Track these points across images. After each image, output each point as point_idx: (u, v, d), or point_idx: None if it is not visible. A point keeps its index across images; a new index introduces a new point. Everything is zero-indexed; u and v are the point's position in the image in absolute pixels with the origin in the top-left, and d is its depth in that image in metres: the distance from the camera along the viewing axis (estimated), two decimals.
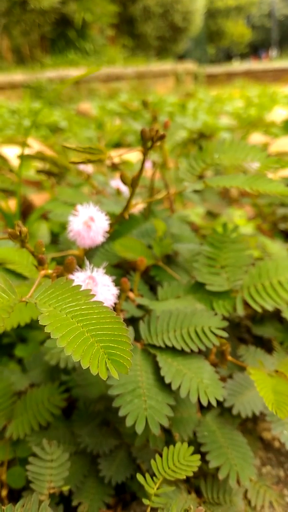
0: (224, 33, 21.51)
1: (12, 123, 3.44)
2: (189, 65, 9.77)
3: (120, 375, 0.37)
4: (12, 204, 1.15)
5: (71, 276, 0.56)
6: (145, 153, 0.63)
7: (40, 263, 0.55)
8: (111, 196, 1.09)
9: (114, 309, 0.58)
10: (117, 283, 0.60)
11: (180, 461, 0.53)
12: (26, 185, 1.47)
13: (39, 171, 1.19)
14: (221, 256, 0.74)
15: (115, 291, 0.56)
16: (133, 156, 1.64)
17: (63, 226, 1.12)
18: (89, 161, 0.62)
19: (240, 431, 0.65)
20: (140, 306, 0.70)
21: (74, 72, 6.76)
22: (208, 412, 0.67)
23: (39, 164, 1.50)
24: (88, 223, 0.65)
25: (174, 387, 0.55)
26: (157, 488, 0.51)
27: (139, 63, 9.50)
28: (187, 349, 0.59)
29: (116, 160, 1.40)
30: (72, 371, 0.72)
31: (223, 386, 0.57)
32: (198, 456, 0.54)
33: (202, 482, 0.62)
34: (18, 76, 6.87)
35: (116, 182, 1.07)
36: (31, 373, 0.76)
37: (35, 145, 1.59)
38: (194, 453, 0.54)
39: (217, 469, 0.58)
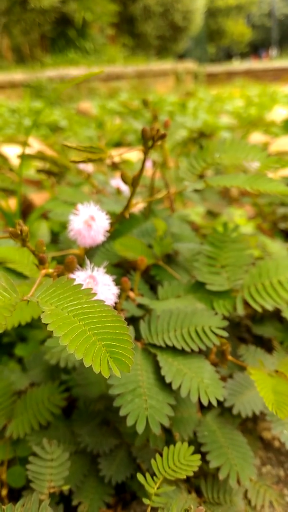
0: (224, 32, 21.50)
1: (12, 122, 3.44)
2: (189, 64, 9.76)
3: (121, 374, 0.37)
4: (12, 203, 1.15)
5: (71, 275, 0.56)
6: (145, 152, 0.63)
7: (41, 262, 0.55)
8: (111, 195, 1.09)
9: (115, 308, 0.58)
10: (117, 282, 0.60)
11: (180, 460, 0.53)
12: (26, 185, 1.47)
13: (39, 171, 1.19)
14: (222, 256, 0.74)
15: (115, 290, 0.56)
16: (134, 155, 1.64)
17: (63, 225, 1.12)
18: (89, 160, 0.62)
19: (240, 431, 0.65)
20: (140, 306, 0.70)
21: (74, 71, 6.76)
22: (208, 411, 0.67)
23: (39, 164, 1.50)
24: (89, 222, 0.65)
25: (174, 386, 0.55)
26: (157, 488, 0.51)
27: (139, 62, 9.49)
28: (187, 349, 0.59)
29: (117, 159, 1.39)
30: (72, 371, 0.72)
31: (223, 386, 0.57)
32: (198, 456, 0.54)
33: (202, 482, 0.62)
34: (18, 75, 6.86)
35: (116, 181, 1.07)
36: (31, 373, 0.76)
37: (35, 144, 1.59)
38: (194, 452, 0.54)
39: (218, 469, 0.58)
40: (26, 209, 1.30)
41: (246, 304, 0.71)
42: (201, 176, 0.76)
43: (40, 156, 1.09)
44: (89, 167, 1.06)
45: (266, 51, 26.30)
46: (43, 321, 0.40)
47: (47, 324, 0.39)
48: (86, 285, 0.55)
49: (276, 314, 0.86)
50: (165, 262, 0.83)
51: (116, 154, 0.67)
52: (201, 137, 1.58)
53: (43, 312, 0.41)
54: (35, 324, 0.89)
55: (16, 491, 0.65)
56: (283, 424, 0.64)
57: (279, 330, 0.84)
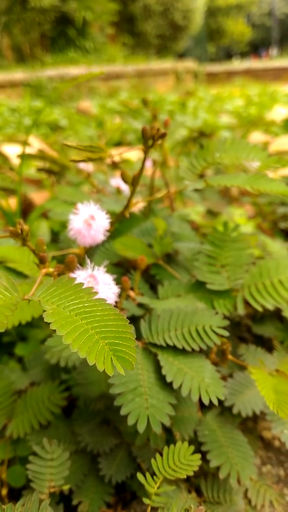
0: (225, 31, 21.49)
1: (12, 122, 3.44)
2: (189, 64, 9.76)
3: (124, 372, 0.37)
4: (12, 203, 1.15)
5: (72, 275, 0.56)
6: (145, 152, 0.63)
7: (41, 261, 0.55)
8: (111, 195, 1.09)
9: (115, 307, 0.58)
10: (117, 281, 0.60)
11: (180, 460, 0.52)
12: (26, 184, 1.47)
13: (40, 169, 1.19)
14: (222, 255, 0.74)
15: (116, 289, 0.56)
16: (134, 154, 1.64)
17: (63, 225, 1.12)
18: (89, 160, 0.62)
19: (241, 430, 0.65)
20: (140, 305, 0.70)
21: (74, 71, 6.75)
22: (209, 411, 0.67)
23: (39, 163, 1.50)
24: (89, 221, 0.65)
25: (175, 386, 0.55)
26: (158, 487, 0.51)
27: (139, 62, 9.49)
28: (188, 348, 0.59)
29: (117, 158, 1.39)
30: (72, 370, 0.72)
31: (223, 385, 0.57)
32: (198, 455, 0.53)
33: (202, 481, 0.62)
34: (18, 74, 6.86)
35: (116, 181, 1.07)
36: (31, 372, 0.76)
37: (35, 144, 1.59)
38: (194, 452, 0.54)
39: (218, 468, 0.58)
40: (26, 208, 1.30)
41: (246, 303, 0.71)
42: (201, 176, 0.76)
43: (40, 155, 1.09)
44: (89, 167, 1.06)
45: (266, 50, 26.29)
46: (45, 320, 0.40)
47: (50, 323, 0.39)
48: (87, 284, 0.55)
49: (276, 314, 0.86)
50: (165, 261, 0.83)
51: (116, 154, 0.67)
52: (201, 137, 1.58)
53: (45, 311, 0.41)
54: (35, 323, 0.89)
55: (16, 490, 0.65)
56: (284, 424, 0.64)
57: (280, 330, 0.84)
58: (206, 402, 0.54)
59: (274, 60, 17.50)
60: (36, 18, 9.41)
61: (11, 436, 0.65)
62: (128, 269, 0.84)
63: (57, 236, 1.04)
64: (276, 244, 1.03)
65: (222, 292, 0.72)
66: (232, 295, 0.71)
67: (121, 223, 0.88)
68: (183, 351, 0.60)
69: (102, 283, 0.55)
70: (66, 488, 0.58)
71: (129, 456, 0.65)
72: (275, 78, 9.32)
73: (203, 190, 1.43)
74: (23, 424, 0.65)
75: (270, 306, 0.68)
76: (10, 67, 9.13)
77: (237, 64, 15.83)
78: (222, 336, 0.61)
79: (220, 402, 0.60)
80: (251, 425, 0.77)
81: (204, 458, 0.57)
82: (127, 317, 0.56)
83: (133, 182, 0.65)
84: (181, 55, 15.31)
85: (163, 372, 0.56)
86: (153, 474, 0.51)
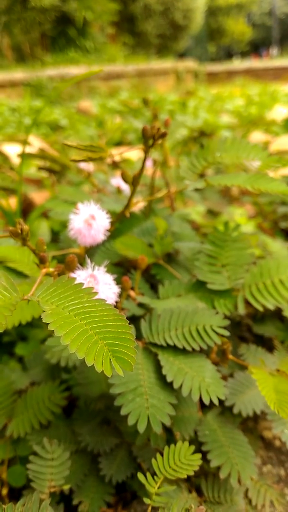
0: (225, 31, 21.48)
1: (12, 121, 3.44)
2: (189, 63, 9.75)
3: (123, 373, 0.37)
4: (12, 202, 1.15)
5: (72, 275, 0.56)
6: (146, 151, 0.63)
7: (41, 261, 0.55)
8: (111, 195, 1.09)
9: (115, 307, 0.58)
10: (118, 281, 0.60)
11: (181, 460, 0.52)
12: (26, 183, 1.47)
13: (41, 168, 1.19)
14: (222, 255, 0.74)
15: (116, 289, 0.56)
16: (134, 154, 1.64)
17: (64, 225, 1.12)
18: (90, 159, 0.62)
19: (241, 430, 0.65)
20: (141, 305, 0.70)
21: (75, 70, 6.75)
22: (209, 411, 0.67)
23: (40, 162, 1.50)
24: (89, 221, 0.65)
25: (175, 385, 0.55)
26: (158, 487, 0.50)
27: (139, 61, 9.48)
28: (188, 348, 0.59)
29: (117, 158, 1.39)
30: (72, 370, 0.72)
31: (224, 385, 0.57)
32: (199, 455, 0.53)
33: (203, 481, 0.62)
34: (18, 74, 6.86)
35: (116, 180, 1.07)
36: (31, 372, 0.76)
37: (36, 143, 1.59)
38: (195, 452, 0.54)
39: (218, 468, 0.58)
40: (26, 208, 1.30)
41: (247, 303, 0.71)
42: (201, 175, 0.76)
43: (41, 154, 1.09)
44: (89, 166, 1.06)
45: (266, 50, 26.27)
46: (44, 320, 0.40)
47: (48, 323, 0.39)
48: (87, 284, 0.55)
49: (277, 313, 0.86)
50: (165, 261, 0.83)
51: (116, 153, 0.66)
52: (201, 136, 1.58)
53: (44, 311, 0.41)
54: (36, 323, 0.89)
55: (17, 490, 0.65)
56: (284, 423, 0.64)
57: (280, 329, 0.84)
58: (206, 402, 0.54)
59: (275, 59, 17.48)
60: (37, 18, 9.41)
61: (12, 436, 0.65)
62: (128, 268, 0.84)
63: (58, 235, 1.04)
64: (276, 244, 1.02)
65: (223, 292, 0.72)
66: (233, 295, 0.71)
67: (121, 222, 0.88)
68: (183, 351, 0.60)
69: (102, 283, 0.55)
70: (66, 488, 0.58)
71: (129, 456, 0.65)
72: (275, 78, 9.31)
73: (203, 190, 1.43)
74: (24, 424, 0.65)
75: (270, 306, 0.68)
76: (10, 66, 9.13)
77: (237, 64, 15.83)
78: (222, 335, 0.61)
79: (221, 402, 0.60)
80: (252, 425, 0.77)
81: (204, 458, 0.57)
82: (127, 317, 0.56)
83: (134, 182, 0.65)
84: (182, 55, 15.31)
85: (164, 372, 0.56)
86: (153, 474, 0.51)
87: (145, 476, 0.51)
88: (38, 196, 1.35)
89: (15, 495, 0.65)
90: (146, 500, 0.50)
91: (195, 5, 12.91)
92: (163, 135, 0.61)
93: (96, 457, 0.65)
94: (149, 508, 0.51)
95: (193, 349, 0.59)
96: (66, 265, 0.56)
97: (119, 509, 0.64)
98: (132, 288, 0.72)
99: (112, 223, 0.69)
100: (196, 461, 0.53)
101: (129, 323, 0.41)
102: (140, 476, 0.50)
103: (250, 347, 0.75)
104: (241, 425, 0.75)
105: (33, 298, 0.44)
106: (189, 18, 12.76)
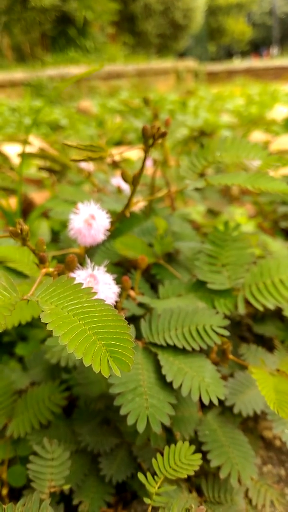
0: (225, 30, 21.48)
1: (12, 121, 3.44)
2: (189, 63, 9.75)
3: (121, 373, 0.36)
4: (12, 202, 1.15)
5: (72, 274, 0.55)
6: (146, 151, 0.63)
7: (41, 261, 0.55)
8: (111, 194, 1.09)
9: (115, 307, 0.58)
10: (118, 281, 0.60)
11: (181, 460, 0.52)
12: (26, 183, 1.47)
13: (41, 168, 1.19)
14: (223, 254, 0.74)
15: (116, 289, 0.56)
16: (134, 154, 1.64)
17: (64, 224, 1.12)
18: (90, 159, 0.62)
19: (241, 430, 0.65)
20: (141, 305, 0.70)
21: (75, 70, 6.75)
22: (209, 411, 0.66)
23: (40, 162, 1.50)
24: (89, 221, 0.65)
25: (175, 385, 0.54)
26: (158, 487, 0.50)
27: (139, 61, 9.48)
28: (188, 348, 0.59)
29: (117, 158, 1.39)
30: (72, 370, 0.72)
31: (224, 385, 0.57)
32: (199, 455, 0.53)
33: (203, 481, 0.62)
34: (18, 74, 6.86)
35: (117, 180, 1.06)
36: (31, 372, 0.76)
37: (36, 143, 1.58)
38: (195, 452, 0.54)
39: (218, 468, 0.58)
40: (26, 208, 1.30)
41: (247, 303, 0.71)
42: (201, 175, 0.76)
43: (41, 154, 1.09)
44: (89, 166, 1.06)
45: (267, 49, 26.25)
46: (42, 320, 0.40)
47: (47, 323, 0.39)
48: (87, 284, 0.55)
49: (277, 313, 0.86)
50: (165, 261, 0.83)
51: (116, 153, 0.66)
52: (201, 136, 1.58)
53: (43, 311, 0.41)
54: (36, 323, 0.89)
55: (17, 490, 0.65)
56: (284, 423, 0.64)
57: (280, 329, 0.83)
58: (206, 402, 0.53)
59: (275, 59, 17.47)
60: (37, 18, 9.42)
61: (12, 436, 0.65)
62: (128, 268, 0.84)
63: (58, 235, 1.04)
64: (276, 244, 1.02)
65: (223, 292, 0.71)
66: (233, 295, 0.71)
67: (121, 222, 0.88)
68: (183, 351, 0.60)
69: (102, 283, 0.55)
70: (66, 488, 0.58)
71: (129, 456, 0.65)
72: (275, 77, 9.31)
73: (203, 189, 1.43)
74: (24, 424, 0.65)
75: (271, 306, 0.68)
76: (10, 66, 9.13)
77: (237, 63, 15.82)
78: (222, 335, 0.61)
79: (221, 401, 0.60)
80: (252, 425, 0.77)
81: (204, 458, 0.57)
82: (127, 317, 0.55)
83: (134, 182, 0.65)
84: (182, 54, 15.30)
85: (163, 371, 0.56)
86: (153, 473, 0.51)
87: (145, 476, 0.51)
88: (38, 196, 1.35)
89: (15, 495, 0.65)
90: (146, 500, 0.50)
91: (195, 5, 12.91)
92: (163, 135, 0.60)
93: (96, 457, 0.65)
94: (149, 508, 0.51)
95: (193, 349, 0.59)
96: (66, 265, 0.56)
97: (119, 509, 0.64)
98: (132, 288, 0.72)
99: (112, 223, 0.69)
100: (196, 461, 0.53)
101: (128, 324, 0.41)
102: (140, 476, 0.50)
103: (250, 347, 0.75)
104: (241, 425, 0.75)
105: (33, 298, 0.44)
106: (189, 18, 12.76)
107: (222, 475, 0.57)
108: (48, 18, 9.46)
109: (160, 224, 0.81)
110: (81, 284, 0.45)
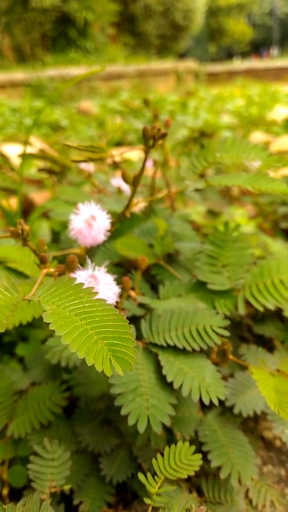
0: (225, 31, 21.49)
1: (13, 122, 3.44)
2: (190, 64, 9.76)
3: (123, 373, 0.37)
4: (13, 203, 1.15)
5: (72, 275, 0.56)
6: (146, 152, 0.63)
7: (42, 261, 0.55)
8: (112, 195, 1.09)
9: (116, 307, 0.58)
10: (118, 281, 0.60)
11: (181, 460, 0.52)
12: (27, 184, 1.47)
13: (41, 169, 1.19)
14: (223, 255, 0.74)
15: (116, 289, 0.56)
16: (134, 154, 1.64)
17: (64, 225, 1.12)
18: (90, 160, 0.62)
19: (241, 430, 0.65)
20: (141, 305, 0.70)
21: (75, 71, 6.76)
22: (210, 411, 0.67)
23: (40, 163, 1.50)
24: (90, 221, 0.65)
25: (176, 386, 0.55)
26: (159, 487, 0.50)
27: (140, 62, 9.49)
28: (188, 348, 0.59)
29: (117, 158, 1.39)
30: (73, 370, 0.72)
31: (224, 385, 0.57)
32: (199, 455, 0.53)
33: (203, 481, 0.62)
34: (19, 74, 6.86)
35: (117, 181, 1.07)
36: (32, 372, 0.76)
37: (36, 144, 1.59)
38: (195, 452, 0.54)
39: (219, 468, 0.58)
40: (27, 208, 1.30)
41: (247, 303, 0.71)
42: (202, 176, 0.76)
43: (41, 155, 1.09)
44: (90, 167, 1.06)
45: (267, 50, 26.25)
46: (44, 320, 0.40)
47: (49, 323, 0.39)
48: (87, 284, 0.55)
49: (277, 314, 0.86)
50: (166, 261, 0.83)
51: (117, 154, 0.67)
52: (202, 137, 1.58)
53: (45, 311, 0.41)
54: (36, 323, 0.89)
55: (17, 490, 0.65)
56: (285, 424, 0.64)
57: (280, 330, 0.84)
58: (206, 402, 0.54)
59: (275, 60, 17.47)
60: (37, 18, 9.43)
61: (12, 436, 0.65)
62: (129, 269, 0.84)
63: (58, 236, 1.04)
64: (277, 244, 1.02)
65: (223, 292, 0.72)
66: (233, 295, 0.71)
67: (122, 223, 0.88)
68: (183, 351, 0.60)
69: (102, 283, 0.55)
70: (67, 488, 0.58)
71: (130, 456, 0.65)
72: (276, 78, 9.32)
73: (204, 190, 1.43)
74: (24, 424, 0.65)
75: (271, 306, 0.68)
76: (11, 67, 9.13)
77: (238, 64, 15.81)
78: (223, 336, 0.61)
79: (221, 402, 0.60)
80: (252, 425, 0.77)
81: (205, 458, 0.57)
82: (127, 317, 0.56)
83: (134, 182, 0.65)
84: (182, 55, 15.31)
85: (164, 372, 0.56)
86: (154, 474, 0.51)
87: (146, 476, 0.51)
88: (39, 197, 1.35)
89: (15, 495, 0.65)
90: (147, 500, 0.50)
91: (196, 6, 12.92)
92: (164, 136, 0.61)
93: (97, 457, 0.65)
94: (150, 508, 0.51)
95: (193, 349, 0.59)
96: (66, 265, 0.56)
97: (120, 509, 0.64)
98: (133, 289, 0.72)
99: (112, 224, 0.69)
100: (196, 461, 0.53)
101: (129, 323, 0.41)
102: (140, 476, 0.50)
103: (251, 347, 0.75)
104: (242, 425, 0.75)
105: (34, 298, 0.45)
106: (189, 19, 12.77)
107: (223, 475, 0.57)
108: (49, 19, 9.47)
109: (160, 225, 0.81)
110: (82, 284, 0.46)
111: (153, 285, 0.81)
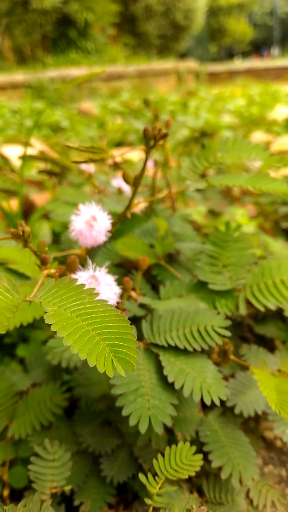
0: (226, 31, 21.49)
1: (13, 123, 3.45)
2: (190, 64, 9.76)
3: (125, 374, 0.37)
4: (14, 204, 1.15)
5: (73, 276, 0.56)
6: (147, 152, 0.63)
7: (43, 262, 0.55)
8: (112, 196, 1.09)
9: (117, 308, 0.58)
10: (119, 282, 0.60)
11: (182, 460, 0.52)
12: (27, 185, 1.47)
13: (41, 171, 1.19)
14: (224, 255, 0.74)
15: (117, 290, 0.56)
16: (135, 155, 1.64)
17: (65, 226, 1.12)
18: (91, 160, 0.62)
19: (242, 431, 0.65)
20: (142, 305, 0.70)
21: (76, 72, 6.77)
22: (210, 411, 0.67)
23: (40, 164, 1.50)
24: (90, 222, 0.65)
25: (177, 386, 0.55)
26: (159, 488, 0.50)
27: (140, 62, 9.50)
28: (190, 348, 0.59)
29: (118, 159, 1.39)
30: (74, 371, 0.72)
31: (225, 386, 0.57)
32: (200, 456, 0.53)
33: (204, 482, 0.62)
34: (19, 76, 6.87)
35: (118, 181, 1.07)
36: (33, 373, 0.76)
37: (36, 145, 1.59)
38: (196, 452, 0.54)
39: (220, 468, 0.58)
40: (27, 209, 1.30)
41: (248, 303, 0.71)
42: (203, 176, 0.76)
43: (42, 156, 1.09)
44: (90, 167, 1.06)
45: (268, 50, 26.23)
46: (46, 321, 0.40)
47: (50, 324, 0.39)
48: (88, 285, 0.55)
49: (278, 314, 0.86)
50: (167, 261, 0.83)
51: (117, 154, 0.67)
52: (202, 137, 1.58)
53: (46, 312, 0.41)
54: (37, 324, 0.89)
55: (18, 491, 0.65)
56: (286, 424, 0.64)
57: (282, 330, 0.83)
58: (207, 402, 0.54)
59: (276, 59, 17.44)
60: (38, 20, 9.44)
61: (13, 437, 0.65)
62: (129, 269, 0.84)
63: (59, 237, 1.04)
64: (278, 244, 1.02)
65: (224, 292, 0.72)
66: (234, 295, 0.71)
67: (122, 223, 0.88)
68: (184, 352, 0.60)
69: (103, 284, 0.55)
70: (67, 488, 0.58)
71: (130, 457, 0.65)
72: (276, 78, 9.31)
73: (204, 190, 1.43)
74: (25, 425, 0.65)
75: (272, 306, 0.68)
76: (11, 68, 9.15)
77: (238, 64, 15.81)
78: (224, 336, 0.61)
79: (222, 402, 0.60)
80: (253, 426, 0.77)
81: (206, 459, 0.57)
82: (128, 318, 0.56)
83: (135, 183, 0.65)
84: (183, 55, 15.32)
85: (165, 372, 0.56)
86: (154, 474, 0.51)
87: (146, 476, 0.51)
88: (39, 198, 1.35)
89: (16, 496, 0.65)
90: (147, 501, 0.50)
91: (196, 5, 12.93)
92: (164, 136, 0.61)
93: (97, 458, 0.65)
94: (150, 509, 0.51)
95: (194, 349, 0.59)
96: (67, 266, 0.56)
97: (120, 510, 0.64)
98: (133, 289, 0.72)
99: (113, 224, 0.69)
100: (197, 461, 0.53)
101: (130, 324, 0.41)
102: (141, 476, 0.50)
103: (252, 348, 0.75)
104: (243, 426, 0.75)
105: (35, 299, 0.45)
106: (190, 19, 12.77)
107: (223, 475, 0.57)
108: (49, 20, 9.48)
109: (161, 225, 0.81)
110: (83, 285, 0.46)
111: (154, 286, 0.81)
